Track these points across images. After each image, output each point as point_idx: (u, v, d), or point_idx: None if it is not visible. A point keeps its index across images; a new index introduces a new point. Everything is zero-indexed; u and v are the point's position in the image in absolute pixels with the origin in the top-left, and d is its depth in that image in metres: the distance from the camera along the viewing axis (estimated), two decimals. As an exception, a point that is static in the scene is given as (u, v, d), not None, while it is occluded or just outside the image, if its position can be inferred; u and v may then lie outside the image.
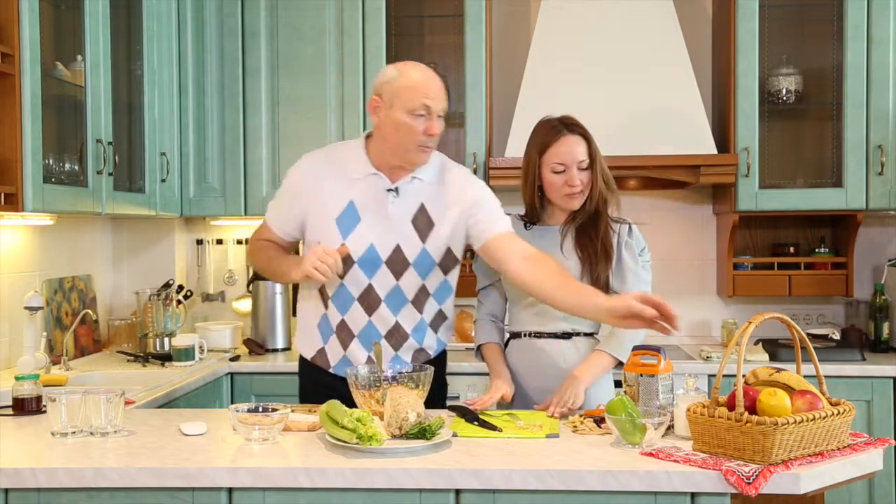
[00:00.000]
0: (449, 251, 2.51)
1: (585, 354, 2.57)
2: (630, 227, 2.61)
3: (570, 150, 2.55)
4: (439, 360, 2.64)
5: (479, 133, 3.78)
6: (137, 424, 2.30)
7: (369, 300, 2.48)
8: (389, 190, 2.46)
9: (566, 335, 2.59)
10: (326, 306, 2.53)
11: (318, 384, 2.57)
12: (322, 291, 2.53)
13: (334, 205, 2.46)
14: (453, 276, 2.58)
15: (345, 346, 2.52)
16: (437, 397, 2.58)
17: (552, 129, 2.58)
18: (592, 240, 2.57)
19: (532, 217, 2.67)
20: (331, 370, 2.55)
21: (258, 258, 2.62)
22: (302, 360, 2.67)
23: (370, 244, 2.45)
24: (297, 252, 2.73)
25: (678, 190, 4.07)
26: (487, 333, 2.68)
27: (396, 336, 2.52)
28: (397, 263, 2.46)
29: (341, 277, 2.45)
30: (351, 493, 1.92)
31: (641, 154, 3.62)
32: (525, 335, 2.63)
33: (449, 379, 3.48)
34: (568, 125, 2.58)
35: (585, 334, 2.61)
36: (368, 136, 2.51)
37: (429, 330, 2.57)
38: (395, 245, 2.46)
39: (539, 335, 2.61)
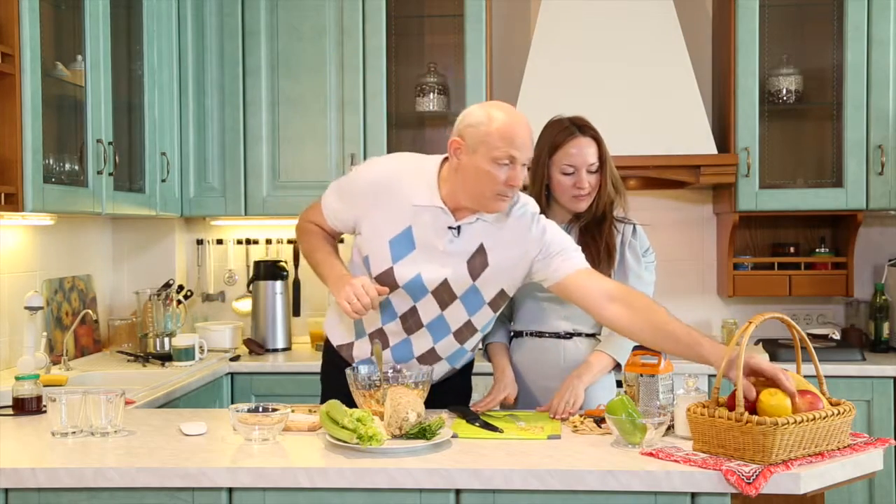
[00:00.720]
0: (502, 292, 2.40)
1: (587, 353, 2.57)
2: (635, 228, 2.60)
3: (581, 151, 2.53)
4: (465, 367, 2.62)
5: (479, 133, 3.77)
6: (137, 424, 2.30)
7: (411, 322, 2.41)
8: (451, 228, 2.34)
9: (568, 335, 2.59)
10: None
11: (337, 367, 2.50)
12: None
13: (392, 226, 2.33)
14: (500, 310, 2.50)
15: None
16: (460, 402, 2.57)
17: (564, 130, 2.56)
18: (596, 240, 2.55)
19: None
20: (353, 365, 2.49)
21: (305, 241, 2.51)
22: (327, 341, 2.62)
23: (418, 273, 2.33)
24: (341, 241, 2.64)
25: (678, 190, 4.07)
26: (495, 332, 2.67)
27: (429, 359, 2.46)
28: (443, 294, 2.37)
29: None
30: (351, 493, 1.92)
31: (641, 154, 3.62)
32: (527, 334, 2.63)
33: (449, 379, 3.51)
34: (580, 126, 2.56)
35: (587, 335, 2.61)
36: (445, 160, 2.36)
37: (467, 353, 2.54)
38: (442, 279, 2.34)
39: (540, 335, 2.61)
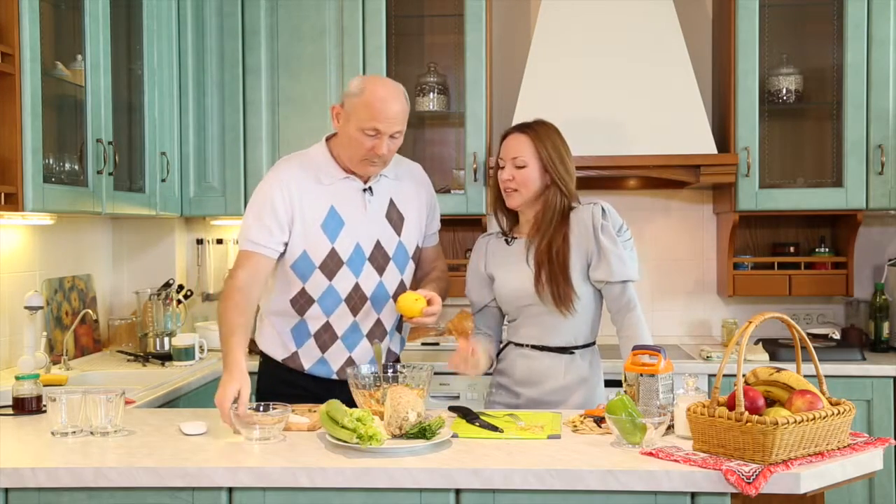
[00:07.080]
0: (418, 246, 2.64)
1: (586, 366, 2.57)
2: (603, 209, 2.52)
3: (507, 145, 2.55)
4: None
5: (479, 133, 3.78)
6: (137, 424, 2.30)
7: (356, 299, 2.53)
8: (364, 190, 2.54)
9: (570, 350, 2.57)
10: (303, 313, 2.53)
11: (286, 384, 2.57)
12: (297, 300, 2.52)
13: (317, 212, 2.49)
14: None
15: (324, 349, 2.54)
16: None
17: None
18: (551, 258, 2.49)
19: (509, 227, 2.63)
20: (306, 371, 2.57)
21: (228, 315, 2.44)
22: (267, 360, 2.64)
23: (356, 243, 2.51)
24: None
25: (678, 190, 4.06)
26: (480, 341, 2.63)
27: (378, 334, 2.57)
28: (379, 259, 2.53)
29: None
30: (351, 492, 1.92)
31: (641, 154, 3.62)
32: (527, 346, 2.59)
33: (449, 379, 3.52)
34: (521, 126, 2.57)
35: (585, 345, 2.59)
36: (329, 140, 2.57)
37: (397, 330, 2.64)
38: (375, 241, 2.53)
39: (543, 348, 2.58)
